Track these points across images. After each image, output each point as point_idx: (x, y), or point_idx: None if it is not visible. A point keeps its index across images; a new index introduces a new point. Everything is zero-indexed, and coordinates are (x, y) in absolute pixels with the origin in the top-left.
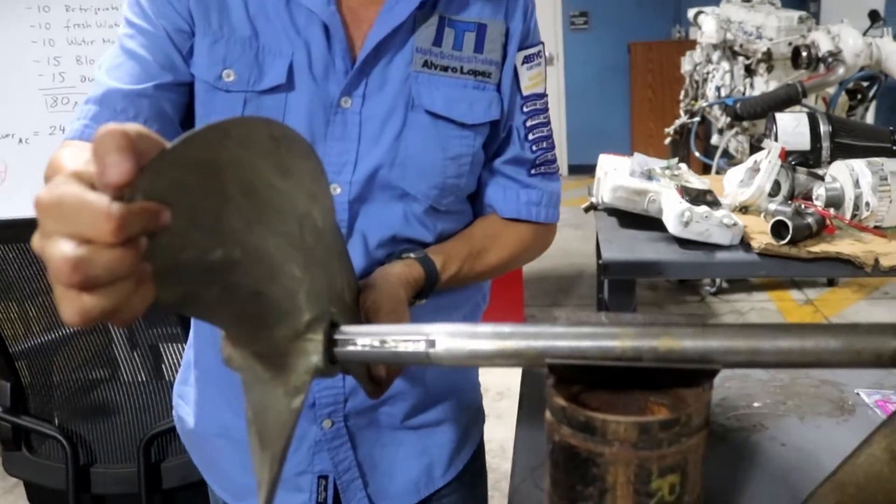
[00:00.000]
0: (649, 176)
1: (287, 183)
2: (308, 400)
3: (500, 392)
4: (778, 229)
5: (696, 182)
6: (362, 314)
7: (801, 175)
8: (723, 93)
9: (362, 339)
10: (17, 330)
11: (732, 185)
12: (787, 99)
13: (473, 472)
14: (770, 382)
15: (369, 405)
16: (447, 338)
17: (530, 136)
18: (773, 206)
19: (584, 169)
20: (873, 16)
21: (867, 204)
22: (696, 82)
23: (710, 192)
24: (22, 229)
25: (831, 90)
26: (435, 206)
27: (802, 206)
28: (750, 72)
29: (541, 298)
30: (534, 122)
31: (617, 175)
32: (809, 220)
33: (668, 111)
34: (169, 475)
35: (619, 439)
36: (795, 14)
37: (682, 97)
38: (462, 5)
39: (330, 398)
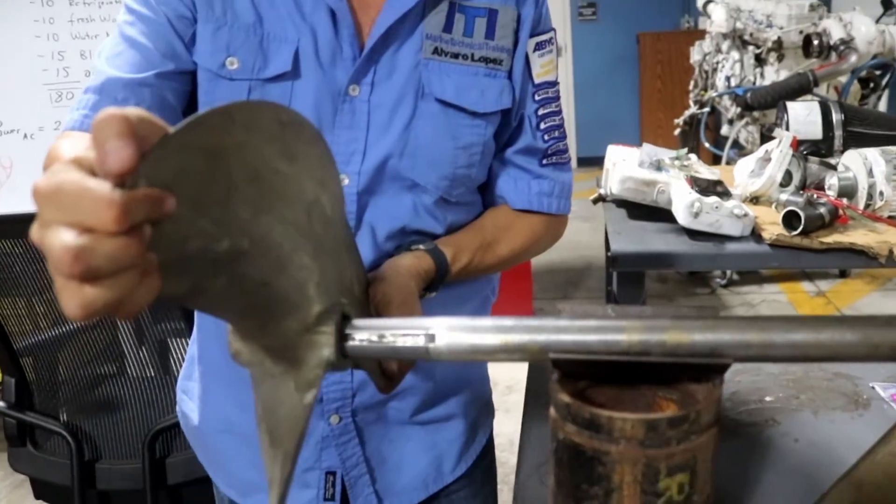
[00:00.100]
0: (658, 167)
1: (294, 168)
2: None
3: (510, 386)
4: (789, 220)
5: (706, 172)
6: (372, 307)
7: (813, 164)
8: (733, 83)
9: (360, 333)
10: (25, 326)
11: (743, 175)
12: (798, 88)
13: (483, 467)
14: (782, 376)
15: (378, 400)
16: (447, 332)
17: (542, 125)
18: (784, 197)
19: (593, 161)
20: (886, 3)
21: (881, 193)
22: (706, 72)
23: (720, 182)
24: (28, 224)
25: (843, 79)
26: (445, 197)
27: (814, 195)
28: (760, 61)
29: (550, 291)
30: (546, 111)
31: (626, 166)
32: (822, 210)
33: (678, 102)
34: (174, 471)
35: (626, 437)
36: (806, 2)
37: (691, 87)
38: None
39: (338, 393)
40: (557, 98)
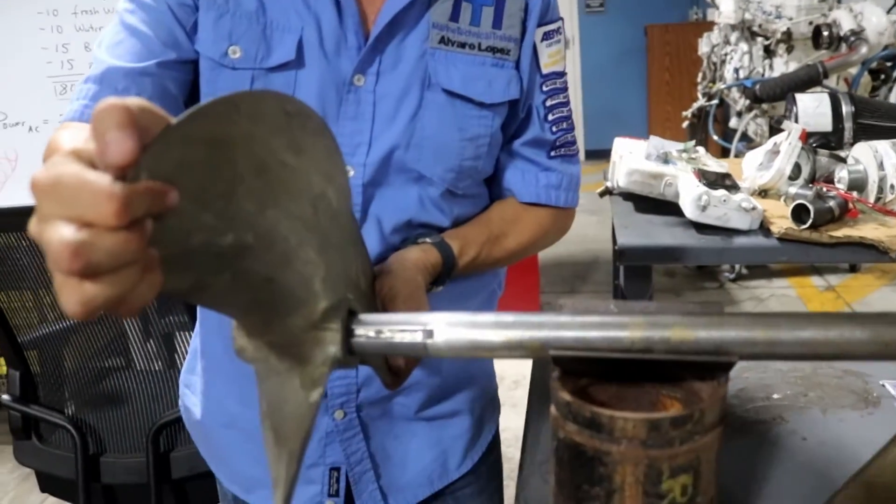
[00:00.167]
0: (665, 159)
1: (301, 161)
2: None
3: (516, 381)
4: (799, 213)
5: (714, 165)
6: (378, 302)
7: (823, 157)
8: (741, 74)
9: (363, 329)
10: (31, 319)
11: (751, 168)
12: (807, 80)
13: (489, 463)
14: (790, 373)
15: (382, 395)
16: (446, 328)
17: (550, 117)
18: (793, 190)
19: (600, 154)
20: None
21: (892, 186)
22: (714, 64)
23: (728, 175)
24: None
25: (853, 70)
26: (451, 189)
27: (824, 189)
28: (769, 53)
29: (557, 285)
30: (553, 102)
31: (632, 158)
32: (831, 203)
33: (686, 94)
34: (178, 465)
35: (628, 437)
36: None
37: (699, 79)
38: None
39: (342, 388)
40: (565, 89)
